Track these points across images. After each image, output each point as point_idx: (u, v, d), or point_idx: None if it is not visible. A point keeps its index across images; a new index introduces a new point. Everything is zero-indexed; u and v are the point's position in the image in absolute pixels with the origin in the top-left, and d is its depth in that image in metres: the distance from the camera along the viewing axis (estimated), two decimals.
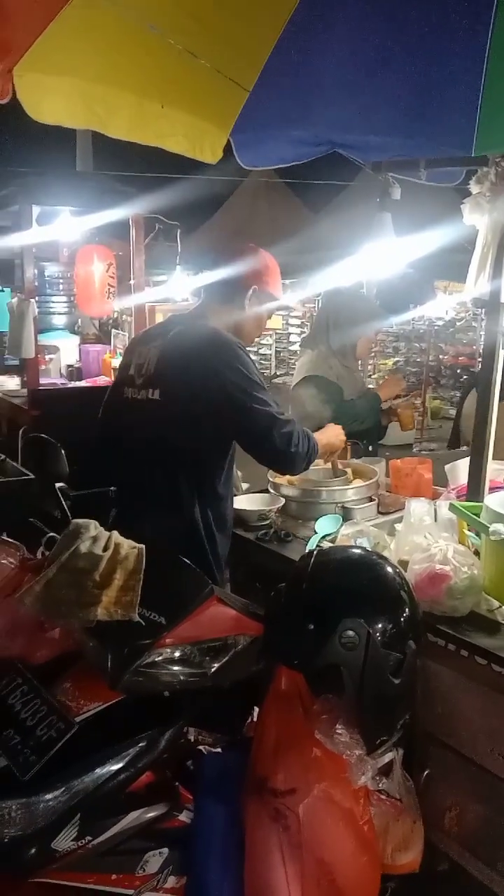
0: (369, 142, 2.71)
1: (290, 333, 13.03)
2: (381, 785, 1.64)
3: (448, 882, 1.89)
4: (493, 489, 2.18)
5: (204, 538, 2.15)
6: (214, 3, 2.18)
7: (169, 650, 1.49)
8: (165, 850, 1.45)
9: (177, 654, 1.49)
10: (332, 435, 2.43)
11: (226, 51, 2.40)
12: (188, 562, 1.64)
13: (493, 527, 1.67)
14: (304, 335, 11.67)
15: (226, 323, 2.25)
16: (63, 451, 1.97)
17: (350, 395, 3.22)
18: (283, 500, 2.46)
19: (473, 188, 2.02)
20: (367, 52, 2.63)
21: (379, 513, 2.48)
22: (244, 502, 2.48)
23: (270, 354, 13.13)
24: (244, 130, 2.69)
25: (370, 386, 3.73)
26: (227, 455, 2.20)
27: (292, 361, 12.87)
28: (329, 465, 2.63)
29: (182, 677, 1.48)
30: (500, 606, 1.73)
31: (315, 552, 1.70)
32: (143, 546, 1.54)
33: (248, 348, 2.23)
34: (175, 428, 2.10)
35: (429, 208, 3.32)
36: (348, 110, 2.71)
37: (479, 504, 1.90)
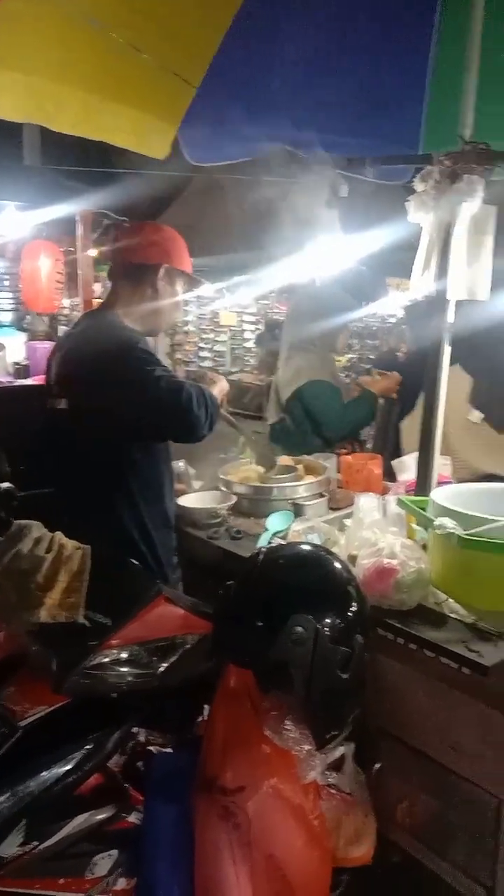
0: (317, 139, 2.73)
1: (244, 331, 13.01)
2: (331, 779, 1.65)
3: (401, 873, 1.91)
4: (440, 484, 2.21)
5: (138, 538, 2.11)
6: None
7: (116, 651, 1.47)
8: (115, 852, 1.44)
9: (124, 655, 1.48)
10: (220, 386, 2.30)
11: (171, 47, 2.38)
12: (135, 562, 1.63)
13: (439, 521, 1.68)
14: (258, 332, 11.70)
15: (137, 311, 2.18)
16: (2, 452, 1.93)
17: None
18: (234, 498, 2.46)
19: (418, 186, 2.03)
20: (314, 51, 2.65)
21: (330, 509, 2.50)
22: (195, 500, 2.46)
23: (225, 351, 13.10)
24: (192, 126, 2.67)
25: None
26: (149, 453, 2.15)
27: (247, 358, 12.87)
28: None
29: (129, 678, 1.46)
30: (447, 599, 1.75)
31: (264, 549, 1.70)
32: (89, 547, 1.52)
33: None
34: (86, 434, 2.07)
35: (380, 206, 3.35)
36: (296, 107, 2.72)
37: (426, 499, 1.92)
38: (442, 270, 2.00)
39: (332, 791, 1.65)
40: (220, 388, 2.23)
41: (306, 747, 1.48)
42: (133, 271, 2.20)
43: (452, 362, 2.82)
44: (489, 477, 2.75)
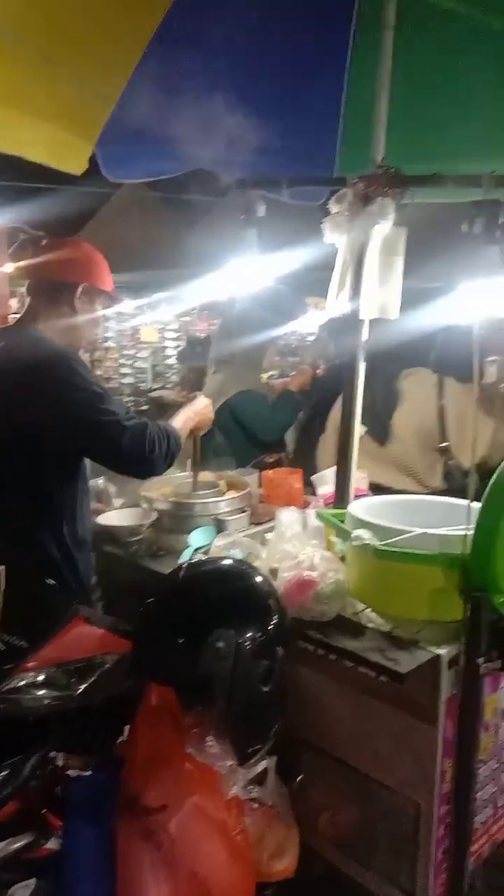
0: (234, 159, 2.77)
1: (165, 347, 12.98)
2: (254, 793, 1.65)
3: (324, 884, 1.93)
4: (357, 496, 2.26)
5: (57, 558, 2.06)
6: (73, 14, 2.15)
7: (32, 674, 1.44)
8: (33, 880, 1.40)
9: (41, 677, 1.44)
10: (200, 408, 2.37)
11: (89, 61, 2.37)
12: (52, 582, 1.59)
13: (356, 532, 1.72)
14: (180, 349, 11.68)
15: (56, 327, 2.15)
16: None
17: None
18: (155, 514, 2.44)
19: (333, 208, 2.09)
20: (231, 72, 2.69)
21: (252, 523, 2.51)
22: (114, 518, 2.43)
23: (147, 368, 13.02)
24: (110, 143, 2.67)
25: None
26: (76, 474, 2.12)
27: (169, 375, 12.82)
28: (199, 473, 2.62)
29: (47, 701, 1.43)
30: (365, 609, 1.79)
31: (184, 565, 1.70)
32: (3, 567, 1.49)
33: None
34: (10, 453, 2.02)
35: (299, 226, 3.43)
36: (214, 127, 2.75)
37: (345, 511, 1.96)
38: (356, 290, 2.06)
39: (255, 805, 1.66)
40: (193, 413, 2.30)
41: (228, 762, 1.48)
42: (51, 288, 2.17)
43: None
44: (373, 487, 2.85)
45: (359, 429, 2.82)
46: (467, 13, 1.74)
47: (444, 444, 2.69)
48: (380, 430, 2.78)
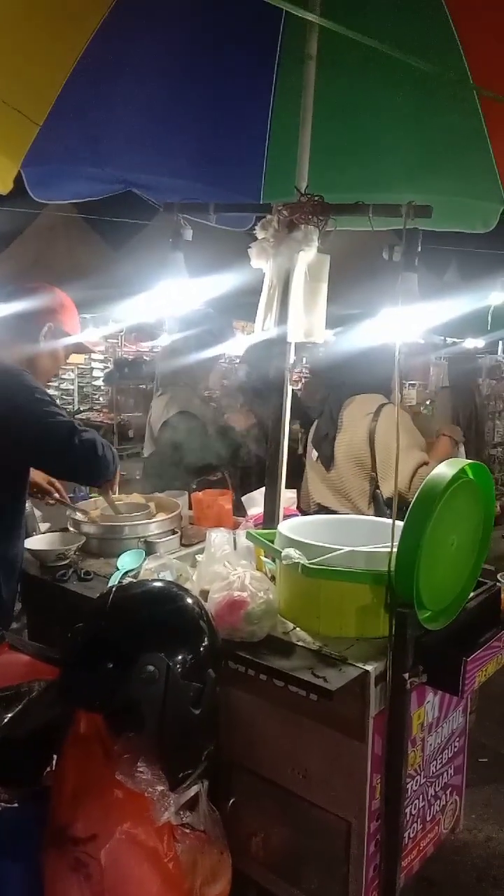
0: (161, 183, 2.80)
1: (93, 369, 12.86)
2: (185, 819, 1.63)
3: None
4: (287, 516, 2.29)
5: None
6: None
7: None
8: None
9: None
10: None
11: (12, 83, 2.37)
12: None
13: (286, 552, 1.75)
14: (107, 370, 11.58)
15: (19, 357, 2.21)
16: None
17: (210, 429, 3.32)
18: (83, 538, 2.41)
19: (259, 234, 2.13)
20: (159, 97, 2.73)
21: (182, 545, 2.50)
22: (40, 542, 2.38)
23: (73, 390, 12.85)
24: (37, 164, 2.66)
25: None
26: (11, 495, 2.13)
27: (96, 397, 12.68)
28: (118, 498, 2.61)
29: None
30: (295, 628, 1.81)
31: (113, 589, 1.67)
32: None
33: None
34: None
35: (226, 251, 3.47)
36: (141, 151, 2.78)
37: (275, 531, 1.98)
38: (282, 314, 2.11)
39: (187, 830, 1.63)
40: None
41: (159, 788, 1.46)
42: (19, 323, 2.25)
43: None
44: (323, 509, 2.94)
45: (314, 455, 2.93)
46: (385, 51, 1.82)
47: (373, 473, 2.76)
48: (327, 456, 2.88)
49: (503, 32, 2.44)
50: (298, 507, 2.93)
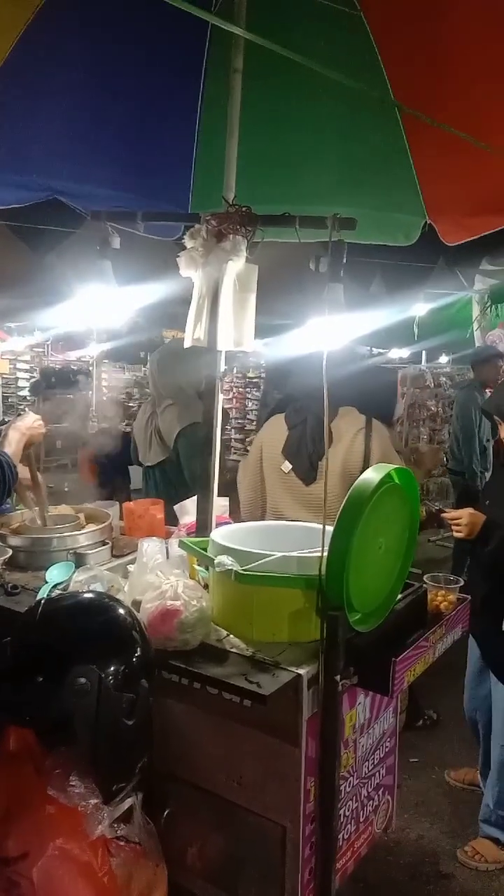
0: (88, 191, 2.78)
1: (18, 378, 12.58)
2: (120, 832, 1.61)
3: None
4: (219, 524, 2.29)
5: None
6: None
7: None
8: None
9: None
10: (30, 422, 2.28)
11: None
12: None
13: (218, 559, 1.75)
14: (33, 380, 11.35)
15: None
16: None
17: None
18: (9, 552, 2.34)
19: (188, 243, 2.14)
20: (86, 105, 2.71)
21: (113, 556, 2.47)
22: None
23: None
24: None
25: None
26: None
27: (22, 406, 12.40)
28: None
29: None
30: (228, 635, 1.81)
31: (42, 601, 1.65)
32: None
33: None
34: None
35: (158, 259, 3.47)
36: (67, 159, 2.75)
37: (207, 539, 1.99)
38: (212, 323, 2.12)
39: (122, 843, 1.61)
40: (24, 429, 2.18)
41: (93, 801, 1.44)
42: None
43: (278, 411, 2.98)
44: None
45: (286, 466, 2.81)
46: (311, 66, 1.87)
47: None
48: (307, 469, 2.75)
49: (421, 51, 2.54)
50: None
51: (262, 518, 2.88)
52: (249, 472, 2.99)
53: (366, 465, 2.62)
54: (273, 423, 2.97)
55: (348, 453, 2.69)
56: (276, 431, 2.90)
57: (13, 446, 2.14)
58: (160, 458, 3.46)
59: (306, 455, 2.76)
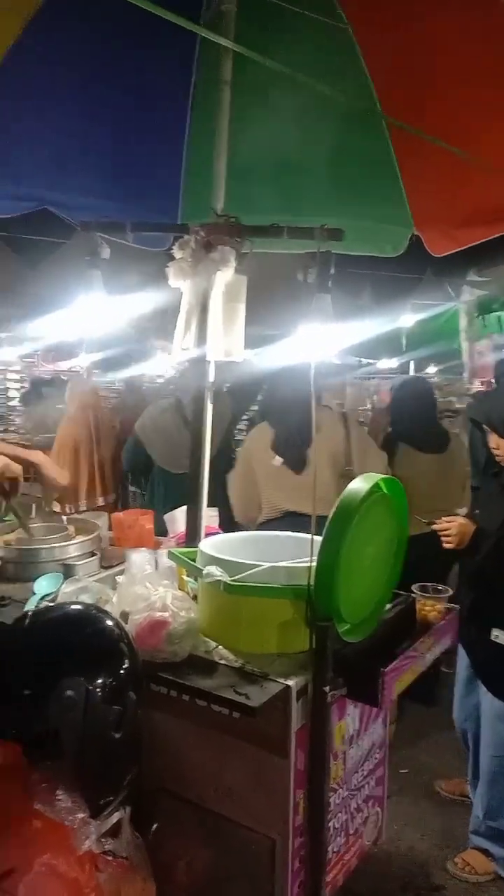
0: (78, 202, 2.79)
1: (7, 389, 12.55)
2: (107, 846, 1.59)
3: None
4: (208, 534, 2.29)
5: None
6: None
7: None
8: None
9: None
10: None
11: None
12: None
13: (207, 569, 1.74)
14: (24, 391, 11.31)
15: None
16: None
17: None
18: None
19: (176, 253, 2.15)
20: (75, 115, 2.72)
21: (102, 567, 2.46)
22: None
23: None
24: None
25: None
26: None
27: (11, 417, 12.36)
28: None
29: None
30: (217, 647, 1.80)
31: (29, 613, 1.63)
32: None
33: None
34: None
35: (148, 270, 3.47)
36: (56, 169, 2.76)
37: (196, 549, 1.98)
38: (202, 333, 2.12)
39: (109, 858, 1.59)
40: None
41: (80, 816, 1.42)
42: None
43: (260, 420, 3.41)
44: (291, 514, 3.13)
45: (277, 461, 3.12)
46: (299, 78, 1.89)
47: (348, 468, 3.03)
48: (296, 459, 3.07)
49: (408, 63, 2.56)
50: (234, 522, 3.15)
51: (257, 517, 3.20)
52: (240, 478, 3.30)
53: (347, 450, 3.10)
54: (257, 430, 3.37)
55: (333, 440, 3.11)
56: (262, 435, 3.29)
57: None
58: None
59: (295, 446, 3.12)
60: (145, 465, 3.97)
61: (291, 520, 3.05)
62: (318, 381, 1.68)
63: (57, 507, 2.88)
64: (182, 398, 3.75)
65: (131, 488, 5.73)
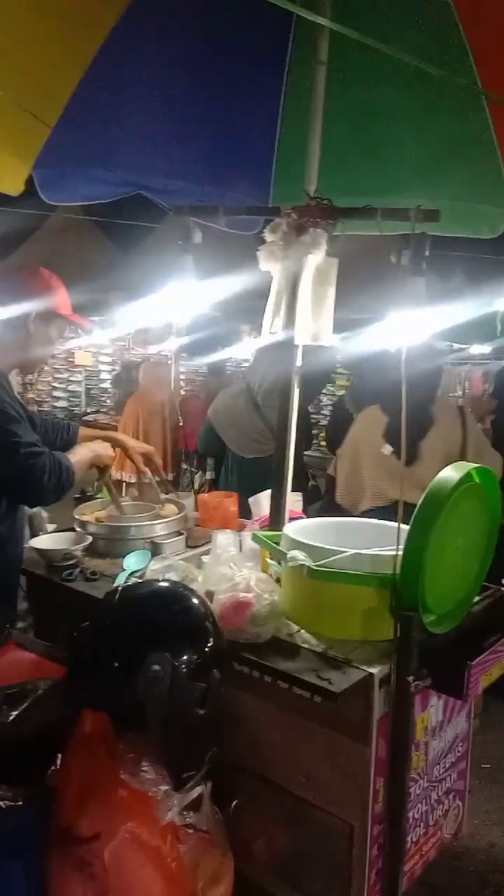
0: (171, 186, 2.81)
1: (100, 371, 12.90)
2: (189, 819, 1.63)
3: None
4: (292, 518, 2.29)
5: None
6: (13, 38, 2.16)
7: None
8: None
9: None
10: (99, 448, 2.40)
11: (27, 85, 2.38)
12: None
13: (291, 553, 1.75)
14: (115, 373, 11.62)
15: (8, 348, 2.16)
16: None
17: None
18: (89, 539, 2.41)
19: (268, 237, 2.13)
20: (169, 101, 2.74)
21: (188, 546, 2.51)
22: (47, 542, 2.39)
23: (81, 392, 12.89)
24: (48, 165, 2.67)
25: None
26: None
27: (103, 399, 12.72)
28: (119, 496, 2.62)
29: None
30: (299, 630, 1.81)
31: (120, 588, 1.68)
32: None
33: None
34: None
35: (235, 254, 3.49)
36: (151, 154, 2.79)
37: (280, 533, 1.99)
38: (290, 317, 2.11)
39: (190, 831, 1.64)
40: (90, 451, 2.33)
41: (163, 788, 1.46)
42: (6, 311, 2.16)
43: (372, 403, 3.25)
44: (395, 503, 2.97)
45: (387, 449, 3.03)
46: (395, 56, 1.83)
47: None
48: (408, 450, 2.92)
49: None
50: (334, 504, 3.13)
51: (360, 503, 3.08)
52: (346, 461, 3.19)
53: (463, 451, 2.93)
54: (367, 414, 3.24)
55: (449, 438, 2.97)
56: (373, 420, 3.14)
57: (76, 458, 2.22)
58: (266, 453, 3.51)
59: (408, 438, 2.94)
60: (219, 450, 3.99)
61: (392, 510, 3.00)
62: (417, 365, 1.64)
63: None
64: (252, 383, 3.74)
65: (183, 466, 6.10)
